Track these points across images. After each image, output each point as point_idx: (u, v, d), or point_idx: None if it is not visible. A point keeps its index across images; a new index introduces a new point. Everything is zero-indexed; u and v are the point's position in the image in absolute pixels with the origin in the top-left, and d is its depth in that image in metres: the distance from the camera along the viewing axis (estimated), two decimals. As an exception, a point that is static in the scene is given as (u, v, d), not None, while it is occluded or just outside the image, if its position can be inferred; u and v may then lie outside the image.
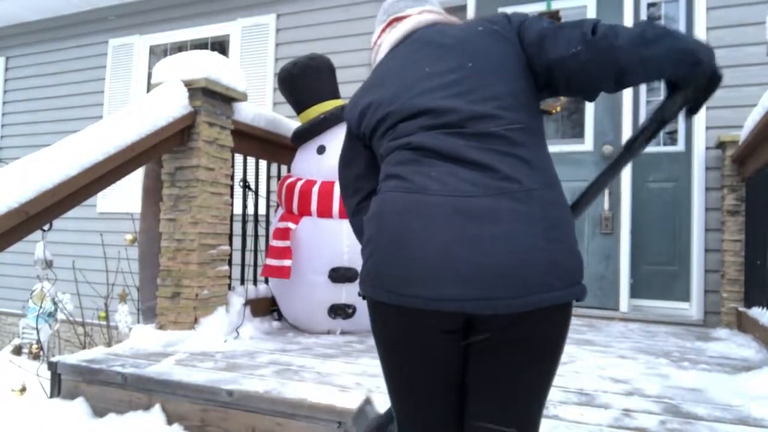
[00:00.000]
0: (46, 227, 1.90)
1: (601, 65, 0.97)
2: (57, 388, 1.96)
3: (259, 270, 2.79)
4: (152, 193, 2.54)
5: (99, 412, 1.83)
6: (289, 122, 2.94)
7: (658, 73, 0.97)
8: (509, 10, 4.15)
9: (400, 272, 0.91)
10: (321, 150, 2.58)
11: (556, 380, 1.85)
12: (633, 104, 3.46)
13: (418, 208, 0.92)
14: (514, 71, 1.02)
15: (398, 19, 1.23)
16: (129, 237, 3.51)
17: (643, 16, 3.58)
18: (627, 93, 3.41)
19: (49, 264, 2.54)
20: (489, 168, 0.92)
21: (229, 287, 2.60)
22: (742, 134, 2.84)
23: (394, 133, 1.04)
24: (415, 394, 1.01)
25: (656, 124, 1.04)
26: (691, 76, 0.95)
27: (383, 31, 1.25)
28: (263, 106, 4.02)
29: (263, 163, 3.01)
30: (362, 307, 2.57)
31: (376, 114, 1.08)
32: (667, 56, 0.93)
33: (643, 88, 3.56)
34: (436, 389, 1.01)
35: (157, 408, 1.75)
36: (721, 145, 3.14)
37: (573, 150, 3.59)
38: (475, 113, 0.97)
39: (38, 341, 3.12)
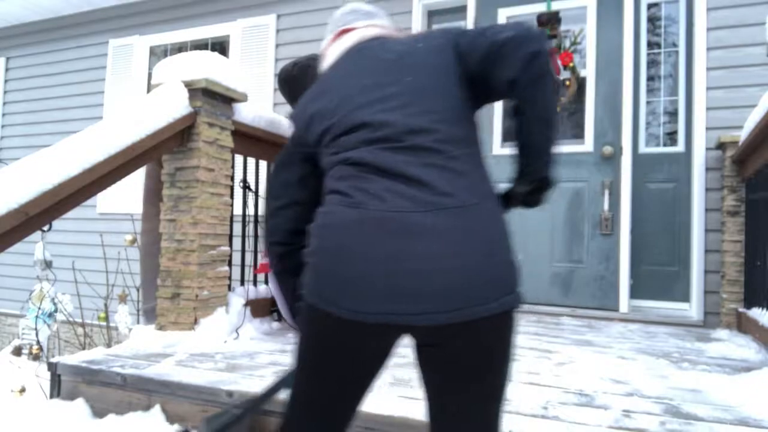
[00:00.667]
0: (45, 228, 1.89)
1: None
2: (57, 389, 1.96)
3: (259, 270, 2.79)
4: (153, 195, 2.55)
5: (99, 412, 1.83)
6: (289, 123, 2.93)
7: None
8: (509, 10, 4.15)
9: (340, 286, 0.94)
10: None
11: (556, 380, 1.86)
12: (633, 104, 3.46)
13: (357, 224, 0.95)
14: (451, 85, 1.05)
15: (345, 32, 1.27)
16: (129, 238, 3.51)
17: (643, 16, 3.59)
18: (627, 93, 3.42)
19: (48, 264, 2.54)
20: (425, 184, 0.95)
21: (229, 288, 2.60)
22: (742, 135, 2.84)
23: (335, 147, 1.06)
24: (324, 402, 1.06)
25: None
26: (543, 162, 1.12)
27: (331, 41, 1.29)
28: (263, 107, 4.02)
29: (263, 164, 3.01)
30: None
31: (320, 125, 1.10)
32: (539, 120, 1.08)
33: (643, 88, 3.56)
34: (347, 399, 1.06)
35: (157, 409, 1.75)
36: (721, 146, 3.14)
37: (573, 150, 3.59)
38: (411, 127, 1.00)
39: (38, 342, 3.12)
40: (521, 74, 0.99)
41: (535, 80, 1.01)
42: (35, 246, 2.52)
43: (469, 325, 0.91)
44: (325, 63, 1.25)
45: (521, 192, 1.14)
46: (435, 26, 4.15)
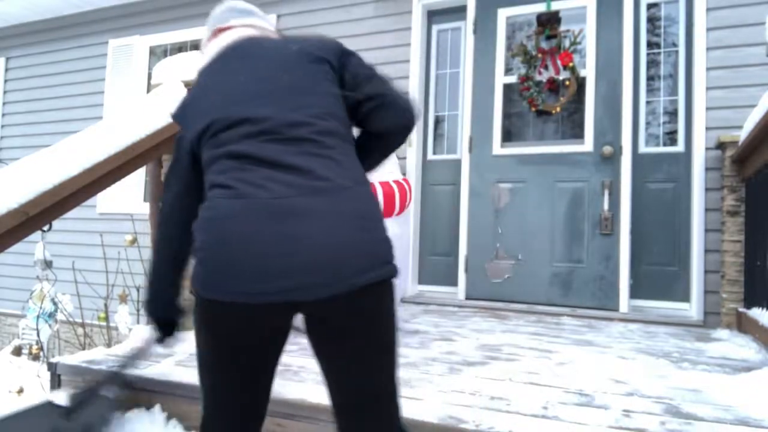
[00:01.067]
0: (45, 228, 1.90)
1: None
2: (57, 389, 1.96)
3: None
4: (157, 196, 2.54)
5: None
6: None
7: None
8: (509, 10, 4.14)
9: (229, 272, 1.00)
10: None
11: (556, 380, 1.86)
12: (633, 104, 3.46)
13: (241, 213, 1.01)
14: (324, 87, 1.14)
15: (222, 30, 1.30)
16: (129, 238, 3.51)
17: (643, 17, 3.58)
18: (627, 93, 3.42)
19: (48, 264, 2.54)
20: (304, 170, 1.02)
21: (229, 288, 2.60)
22: (742, 135, 2.84)
23: (216, 142, 1.11)
24: (231, 385, 1.12)
25: None
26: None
27: (209, 40, 1.32)
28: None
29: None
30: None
31: (201, 122, 1.14)
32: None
33: (643, 88, 3.56)
34: (251, 379, 1.12)
35: (157, 408, 1.75)
36: (721, 146, 3.14)
37: (573, 150, 3.59)
38: (289, 120, 1.07)
39: (38, 342, 3.12)
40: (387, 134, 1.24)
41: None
42: (35, 246, 2.53)
43: (351, 296, 1.00)
44: (203, 61, 1.29)
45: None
46: (435, 27, 4.15)
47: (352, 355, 1.07)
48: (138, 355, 1.50)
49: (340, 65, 1.19)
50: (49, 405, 1.59)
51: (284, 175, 1.02)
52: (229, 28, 1.30)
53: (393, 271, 1.08)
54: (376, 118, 1.20)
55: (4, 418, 1.58)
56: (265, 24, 1.36)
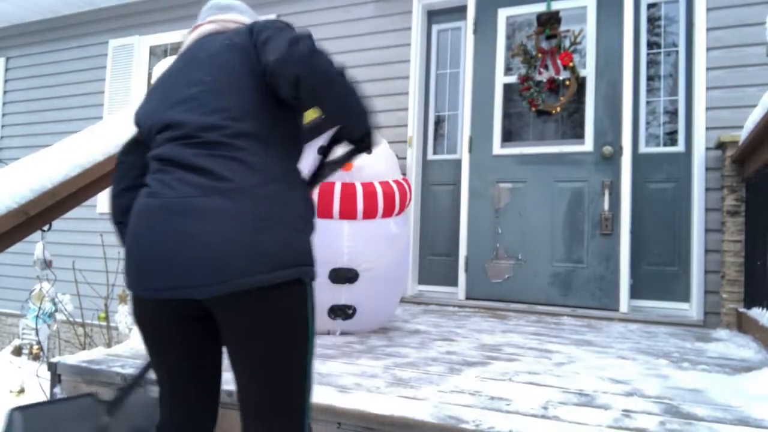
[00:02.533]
0: (45, 228, 1.90)
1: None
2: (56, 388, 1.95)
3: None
4: None
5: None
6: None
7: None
8: (509, 10, 4.14)
9: (137, 267, 1.08)
10: (322, 150, 2.58)
11: (556, 380, 1.86)
12: (633, 104, 3.46)
13: (150, 211, 1.07)
14: (246, 83, 1.13)
15: (195, 28, 1.33)
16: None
17: (643, 16, 3.58)
18: (627, 93, 3.42)
19: (48, 264, 2.54)
20: (208, 171, 1.05)
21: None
22: (742, 135, 2.84)
23: (153, 144, 1.18)
24: (164, 371, 1.20)
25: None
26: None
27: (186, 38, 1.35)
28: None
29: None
30: (362, 307, 2.57)
31: (146, 124, 1.22)
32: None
33: (643, 88, 3.56)
34: (179, 369, 1.17)
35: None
36: (721, 146, 3.14)
37: (573, 150, 3.59)
38: (204, 124, 1.10)
39: (38, 342, 3.12)
40: (297, 95, 1.06)
41: (312, 97, 1.08)
42: (35, 246, 2.53)
43: (241, 298, 1.01)
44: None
45: (346, 155, 1.31)
46: (435, 27, 4.15)
47: (242, 358, 1.08)
48: None
49: (253, 45, 1.15)
50: (92, 398, 1.57)
51: (192, 176, 1.05)
52: (200, 25, 1.31)
53: (293, 274, 1.05)
54: (278, 87, 1.10)
55: (45, 404, 1.56)
56: (242, 18, 1.33)
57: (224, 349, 1.15)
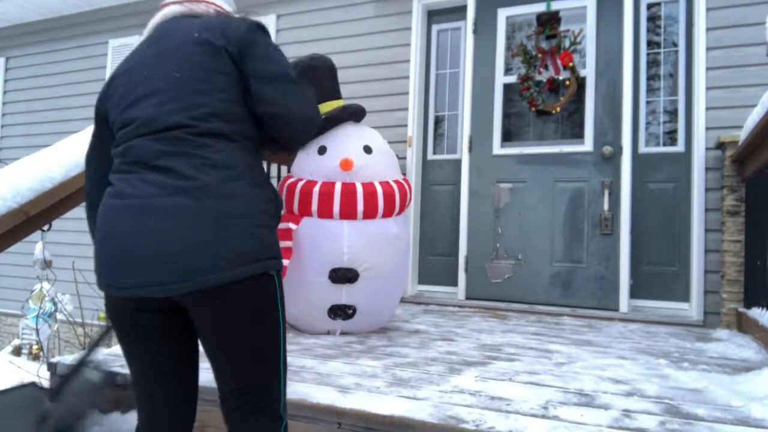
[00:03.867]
0: (45, 228, 1.90)
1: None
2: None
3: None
4: None
5: (99, 412, 1.83)
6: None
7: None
8: (509, 10, 4.13)
9: (104, 265, 1.09)
10: (322, 150, 2.58)
11: (556, 380, 1.86)
12: (633, 104, 3.46)
13: (115, 211, 1.08)
14: (215, 84, 1.13)
15: (162, 6, 1.27)
16: (129, 237, 3.51)
17: (643, 16, 3.58)
18: (627, 93, 3.42)
19: (48, 264, 2.54)
20: (171, 171, 1.06)
21: (229, 288, 2.59)
22: (742, 135, 2.84)
23: (117, 138, 1.16)
24: (141, 368, 1.20)
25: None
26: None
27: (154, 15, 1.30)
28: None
29: (263, 164, 3.01)
30: (362, 307, 2.57)
31: (112, 116, 1.19)
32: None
33: (643, 88, 3.56)
34: (154, 364, 1.19)
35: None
36: (721, 146, 3.14)
37: (573, 150, 3.59)
38: (170, 123, 1.09)
39: (38, 342, 3.12)
40: (278, 134, 1.22)
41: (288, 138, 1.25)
42: (35, 246, 2.53)
43: (208, 293, 1.03)
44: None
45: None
46: (435, 27, 4.15)
47: (215, 352, 1.13)
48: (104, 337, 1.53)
49: (241, 55, 1.15)
50: (34, 387, 1.58)
51: (155, 176, 1.06)
52: (166, 4, 1.26)
53: (258, 268, 1.08)
54: (271, 128, 1.20)
55: None
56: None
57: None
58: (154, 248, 1.02)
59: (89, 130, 2.08)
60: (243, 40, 1.15)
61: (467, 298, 3.75)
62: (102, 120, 1.24)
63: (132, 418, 1.69)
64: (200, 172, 1.06)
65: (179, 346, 1.19)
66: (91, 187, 1.28)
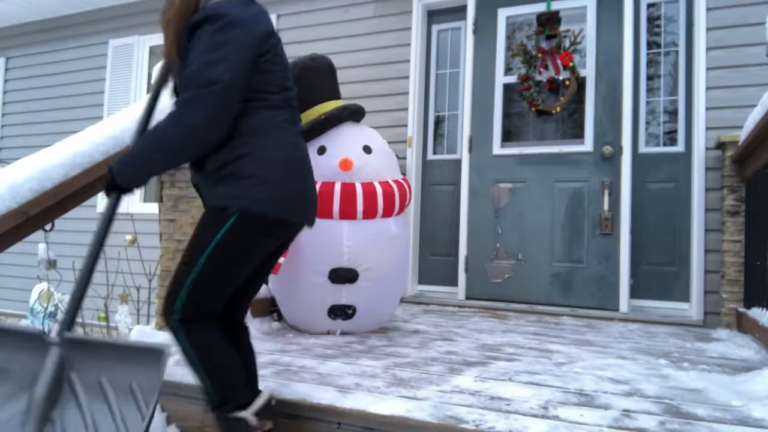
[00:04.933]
0: (48, 227, 1.90)
1: None
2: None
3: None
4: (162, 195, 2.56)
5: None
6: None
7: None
8: (509, 10, 4.13)
9: (307, 205, 1.53)
10: (321, 151, 2.58)
11: (556, 380, 1.86)
12: (633, 104, 3.46)
13: (303, 162, 1.53)
14: None
15: None
16: (129, 237, 3.51)
17: (643, 16, 3.58)
18: (627, 93, 3.42)
19: (52, 264, 2.54)
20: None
21: (229, 288, 2.60)
22: (742, 135, 2.84)
23: (279, 94, 1.53)
24: (244, 277, 1.49)
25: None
26: None
27: None
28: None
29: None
30: (362, 307, 2.57)
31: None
32: None
33: (642, 87, 3.56)
34: (255, 266, 1.52)
35: (157, 408, 1.75)
36: (721, 146, 3.14)
37: (573, 150, 3.59)
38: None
39: (38, 341, 3.12)
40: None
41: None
42: (38, 246, 2.53)
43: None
44: None
45: None
46: (435, 27, 4.15)
47: (265, 268, 1.59)
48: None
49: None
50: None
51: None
52: None
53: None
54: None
55: None
56: None
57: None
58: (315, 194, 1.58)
59: (89, 129, 2.09)
60: (192, 26, 1.53)
61: (467, 298, 3.75)
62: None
63: None
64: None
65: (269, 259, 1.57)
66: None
